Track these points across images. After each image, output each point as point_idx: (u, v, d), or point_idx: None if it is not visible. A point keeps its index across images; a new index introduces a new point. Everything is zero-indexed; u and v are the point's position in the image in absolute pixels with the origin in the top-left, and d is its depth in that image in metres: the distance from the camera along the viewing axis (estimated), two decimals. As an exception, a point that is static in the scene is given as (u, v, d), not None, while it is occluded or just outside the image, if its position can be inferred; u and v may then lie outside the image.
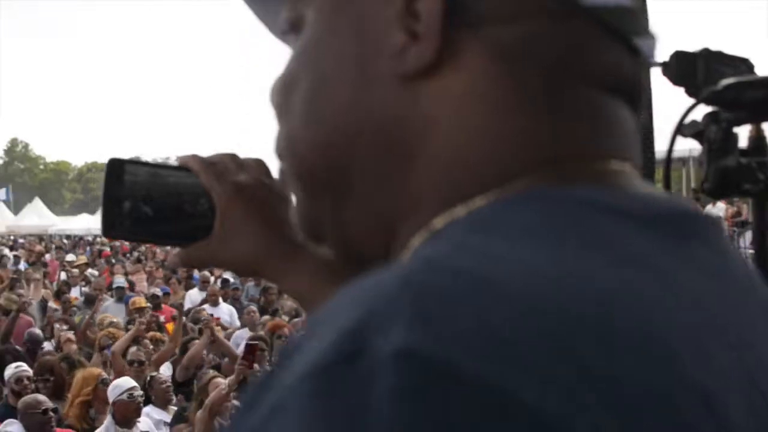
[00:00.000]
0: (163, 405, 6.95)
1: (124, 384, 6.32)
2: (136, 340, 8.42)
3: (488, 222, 0.48)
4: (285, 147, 0.60)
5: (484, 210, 0.49)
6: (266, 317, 10.46)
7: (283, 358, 0.41)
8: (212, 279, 14.66)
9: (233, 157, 0.88)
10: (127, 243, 27.91)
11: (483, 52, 0.51)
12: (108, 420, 6.21)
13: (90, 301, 12.42)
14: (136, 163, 0.91)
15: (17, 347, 8.85)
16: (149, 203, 0.88)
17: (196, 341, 8.43)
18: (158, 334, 9.28)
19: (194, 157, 0.88)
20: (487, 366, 0.37)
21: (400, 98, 0.52)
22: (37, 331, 9.83)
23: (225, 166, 0.86)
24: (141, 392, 6.38)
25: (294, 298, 0.88)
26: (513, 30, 0.51)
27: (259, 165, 0.88)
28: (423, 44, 0.51)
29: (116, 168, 0.89)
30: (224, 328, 10.32)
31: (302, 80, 0.57)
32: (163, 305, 12.34)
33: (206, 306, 12.87)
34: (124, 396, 6.19)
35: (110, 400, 6.24)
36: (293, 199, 0.64)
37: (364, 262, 0.54)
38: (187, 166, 0.87)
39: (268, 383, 0.40)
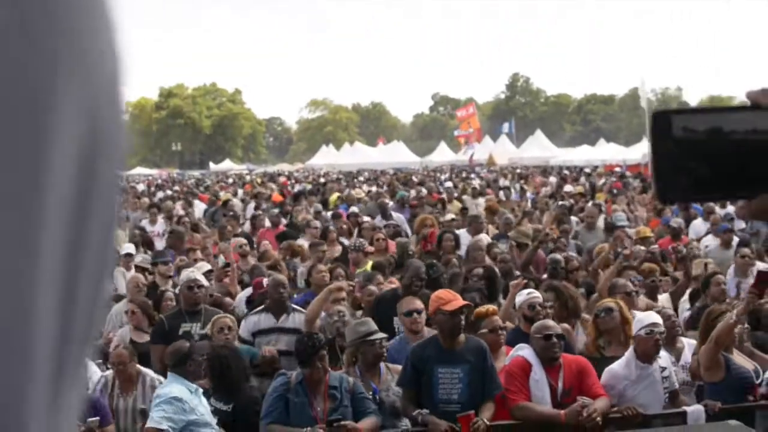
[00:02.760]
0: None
1: (646, 319, 6.31)
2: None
3: None
4: None
5: None
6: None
7: None
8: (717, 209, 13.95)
9: None
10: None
11: None
12: (629, 353, 6.26)
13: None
14: (683, 112, 0.79)
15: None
16: (707, 159, 0.75)
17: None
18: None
19: (765, 91, 0.72)
20: None
21: None
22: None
23: None
24: (663, 329, 6.29)
25: None
26: None
27: None
28: None
29: (661, 122, 0.78)
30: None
31: None
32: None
33: (709, 237, 12.36)
34: (642, 332, 6.17)
35: (632, 333, 6.28)
36: None
37: None
38: (757, 103, 0.72)
39: None
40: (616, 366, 6.25)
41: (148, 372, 6.52)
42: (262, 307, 7.61)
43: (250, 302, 8.28)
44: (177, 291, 8.10)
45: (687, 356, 6.75)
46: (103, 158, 0.41)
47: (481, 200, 18.77)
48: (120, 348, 6.52)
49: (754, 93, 0.74)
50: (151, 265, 10.23)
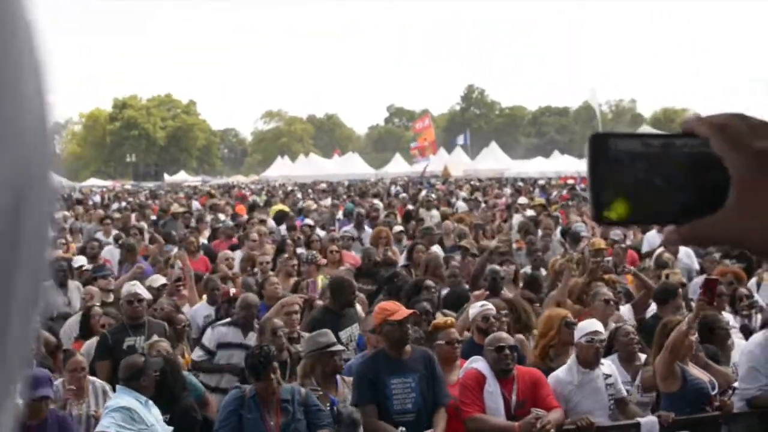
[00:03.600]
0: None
1: (587, 327, 6.41)
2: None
3: None
4: None
5: None
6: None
7: None
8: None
9: (743, 118, 0.74)
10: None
11: None
12: (572, 359, 6.35)
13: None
14: (621, 136, 0.80)
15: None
16: (644, 179, 0.77)
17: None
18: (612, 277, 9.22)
19: (700, 120, 0.74)
20: None
21: None
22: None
23: (737, 129, 0.73)
24: (604, 338, 6.41)
25: None
26: None
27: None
28: None
29: (599, 144, 0.80)
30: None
31: None
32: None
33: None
34: (583, 340, 6.26)
35: (574, 341, 6.38)
36: None
37: None
38: (692, 131, 0.74)
39: None
40: (560, 372, 6.40)
41: (95, 378, 6.51)
42: (230, 320, 7.68)
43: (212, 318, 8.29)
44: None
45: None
46: (31, 204, 0.42)
47: (435, 212, 18.83)
48: (77, 356, 6.48)
49: (690, 121, 0.76)
50: (92, 279, 10.09)
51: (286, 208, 20.93)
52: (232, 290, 8.40)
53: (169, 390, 6.08)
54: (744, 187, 0.73)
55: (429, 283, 8.16)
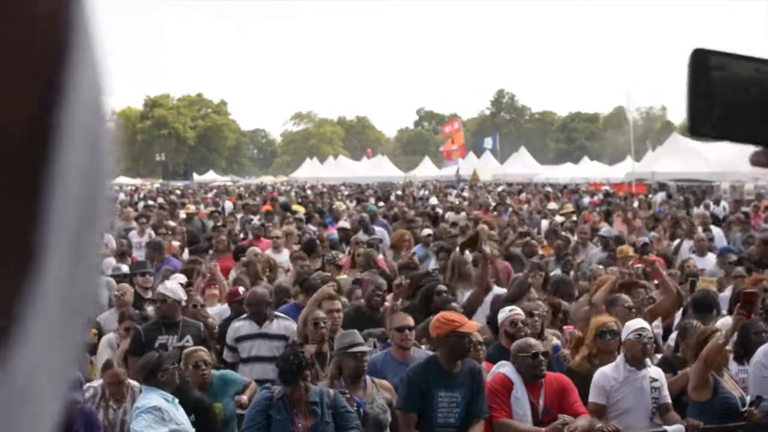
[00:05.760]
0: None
1: (634, 324, 6.47)
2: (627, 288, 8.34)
3: None
4: None
5: None
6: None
7: None
8: (700, 230, 14.12)
9: None
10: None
11: None
12: (619, 357, 6.39)
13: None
14: (721, 54, 0.82)
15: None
16: (742, 99, 0.78)
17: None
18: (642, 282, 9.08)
19: None
20: None
21: None
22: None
23: None
24: (651, 335, 6.49)
25: None
26: None
27: None
28: None
29: (702, 59, 0.82)
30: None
31: None
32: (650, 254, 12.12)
33: (693, 256, 12.45)
34: (631, 336, 6.32)
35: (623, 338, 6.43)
36: None
37: None
38: None
39: None
40: (607, 367, 6.41)
41: (133, 382, 6.50)
42: (245, 315, 7.72)
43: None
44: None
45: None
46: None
47: (463, 215, 18.82)
48: (116, 368, 6.49)
49: None
50: (131, 276, 10.18)
51: (302, 209, 21.04)
52: (241, 289, 8.42)
53: (190, 390, 6.15)
54: None
55: (441, 288, 8.12)
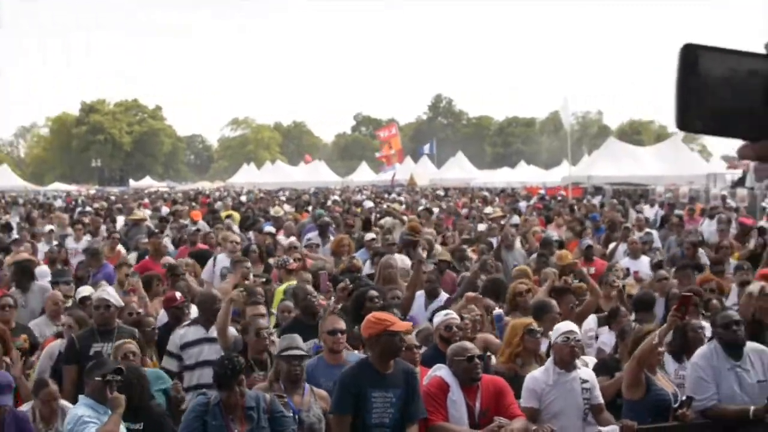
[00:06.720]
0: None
1: (562, 327, 6.54)
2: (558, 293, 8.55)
3: None
4: None
5: None
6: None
7: None
8: (635, 232, 14.42)
9: None
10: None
11: None
12: (549, 360, 6.47)
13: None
14: (710, 49, 0.83)
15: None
16: (729, 94, 0.81)
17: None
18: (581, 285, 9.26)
19: None
20: None
21: None
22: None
23: None
24: (579, 337, 6.54)
25: None
26: None
27: None
28: None
29: (690, 55, 0.83)
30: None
31: None
32: (594, 258, 12.33)
33: (626, 259, 12.68)
34: (559, 339, 6.39)
35: (552, 341, 6.51)
36: None
37: None
38: None
39: None
40: (537, 371, 6.48)
41: (64, 402, 6.29)
42: (189, 321, 7.67)
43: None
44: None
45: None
46: None
47: (393, 219, 18.82)
48: (50, 386, 6.25)
49: None
50: (52, 284, 9.96)
51: (237, 214, 20.91)
52: (178, 295, 8.33)
53: (136, 398, 6.01)
54: None
55: (372, 293, 8.13)
